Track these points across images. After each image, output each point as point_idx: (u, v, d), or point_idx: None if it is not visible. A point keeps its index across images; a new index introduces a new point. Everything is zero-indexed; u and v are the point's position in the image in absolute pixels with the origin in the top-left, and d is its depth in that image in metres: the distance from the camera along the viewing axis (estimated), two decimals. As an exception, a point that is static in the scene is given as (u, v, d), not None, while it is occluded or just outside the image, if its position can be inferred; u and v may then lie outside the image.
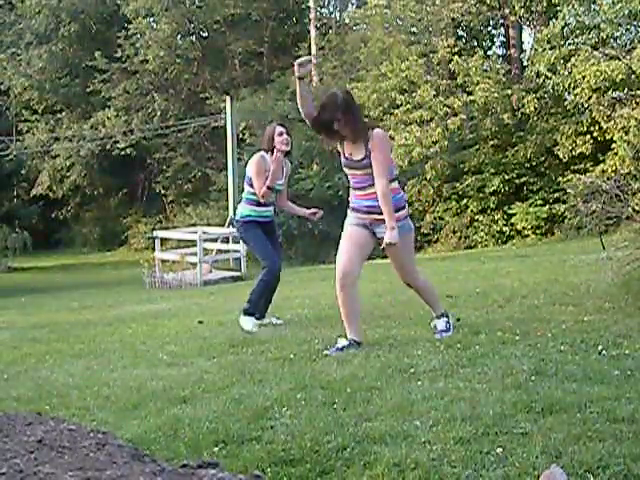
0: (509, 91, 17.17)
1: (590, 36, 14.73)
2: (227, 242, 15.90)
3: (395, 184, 4.54)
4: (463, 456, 2.46)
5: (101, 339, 6.02)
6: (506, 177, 17.37)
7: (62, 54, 26.49)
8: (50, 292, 14.51)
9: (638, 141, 13.92)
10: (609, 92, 14.95)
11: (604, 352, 3.76)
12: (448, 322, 4.71)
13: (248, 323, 5.51)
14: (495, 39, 22.91)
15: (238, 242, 15.35)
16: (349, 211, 4.62)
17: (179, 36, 25.75)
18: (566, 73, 14.87)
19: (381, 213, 4.34)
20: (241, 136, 21.54)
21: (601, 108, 15.02)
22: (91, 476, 1.75)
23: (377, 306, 6.36)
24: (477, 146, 17.90)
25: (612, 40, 15.14)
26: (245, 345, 4.80)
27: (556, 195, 16.56)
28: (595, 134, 15.86)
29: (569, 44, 15.31)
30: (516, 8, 17.75)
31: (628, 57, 14.40)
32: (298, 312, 6.26)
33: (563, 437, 2.57)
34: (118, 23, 25.73)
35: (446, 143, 17.10)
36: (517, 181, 17.51)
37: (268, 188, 5.46)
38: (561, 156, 16.44)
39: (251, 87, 24.39)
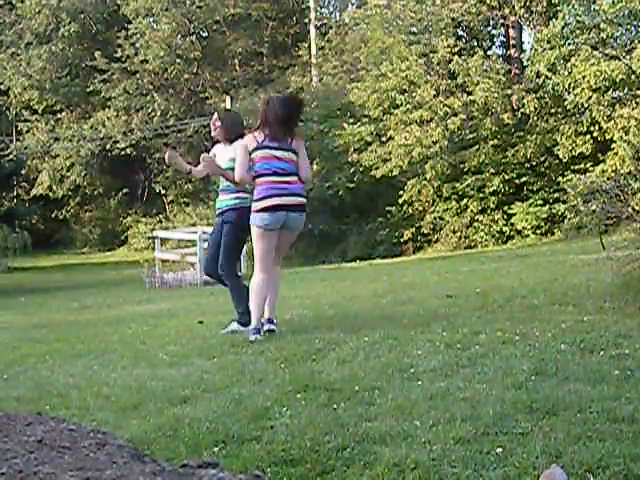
0: (509, 91, 17.17)
1: (590, 36, 14.72)
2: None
3: None
4: (463, 456, 2.46)
5: (101, 339, 6.03)
6: (506, 177, 17.37)
7: (62, 54, 26.52)
8: (50, 292, 14.51)
9: (638, 141, 13.92)
10: (609, 92, 14.94)
11: (604, 352, 3.76)
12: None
13: None
14: (495, 39, 22.91)
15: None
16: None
17: (179, 36, 25.76)
18: (566, 73, 14.86)
19: None
20: (241, 136, 21.52)
21: (601, 108, 15.00)
22: (91, 476, 1.75)
23: (377, 306, 6.37)
24: (477, 146, 17.89)
25: (612, 40, 15.13)
26: (245, 345, 4.79)
27: (556, 195, 16.56)
28: (595, 134, 15.85)
29: (569, 44, 15.30)
30: (516, 8, 17.76)
31: (628, 57, 14.40)
32: (298, 312, 6.26)
33: (563, 437, 2.57)
34: (118, 23, 25.76)
35: (446, 143, 17.10)
36: (517, 181, 17.51)
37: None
38: (561, 156, 16.44)
39: (251, 87, 24.42)
